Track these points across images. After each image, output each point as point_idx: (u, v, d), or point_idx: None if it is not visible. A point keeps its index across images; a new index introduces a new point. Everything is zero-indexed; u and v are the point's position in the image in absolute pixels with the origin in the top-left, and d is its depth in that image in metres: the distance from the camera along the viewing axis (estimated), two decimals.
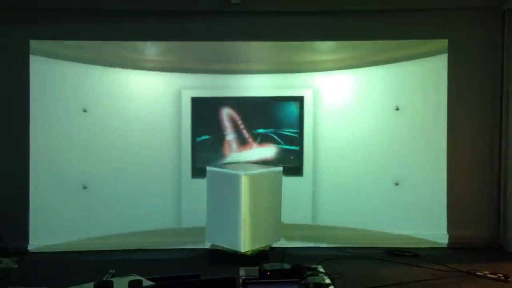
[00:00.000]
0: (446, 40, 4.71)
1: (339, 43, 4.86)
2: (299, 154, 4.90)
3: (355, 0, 4.67)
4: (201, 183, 4.53)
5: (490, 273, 3.83)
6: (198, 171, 4.78)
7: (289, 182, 4.66)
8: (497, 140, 4.72)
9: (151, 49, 4.82)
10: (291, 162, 4.90)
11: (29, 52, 4.60)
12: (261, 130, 4.93)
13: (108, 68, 4.74)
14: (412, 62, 4.78)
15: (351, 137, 4.85)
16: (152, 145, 4.82)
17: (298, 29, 4.74)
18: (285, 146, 4.93)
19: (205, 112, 4.89)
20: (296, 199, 4.79)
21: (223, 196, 4.32)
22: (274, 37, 4.78)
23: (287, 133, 4.93)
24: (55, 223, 4.66)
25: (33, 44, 4.63)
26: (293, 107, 4.94)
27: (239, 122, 4.92)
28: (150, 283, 2.91)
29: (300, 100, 4.91)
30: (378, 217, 4.79)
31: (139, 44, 4.78)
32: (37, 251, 4.55)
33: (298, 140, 4.90)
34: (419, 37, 4.77)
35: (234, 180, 4.23)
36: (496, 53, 4.70)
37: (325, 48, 4.91)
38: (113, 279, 3.01)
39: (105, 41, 4.74)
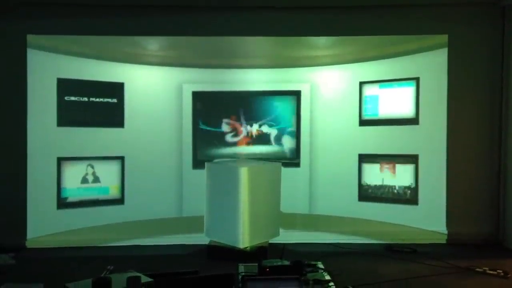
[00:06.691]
0: (446, 36, 4.69)
1: (337, 38, 4.89)
2: (296, 146, 5.03)
3: None
4: (202, 173, 4.53)
5: (489, 269, 3.82)
6: (199, 162, 4.92)
7: (287, 173, 4.70)
8: (497, 136, 4.71)
9: (153, 44, 4.90)
10: (288, 155, 5.02)
11: (26, 46, 4.56)
12: (259, 123, 5.02)
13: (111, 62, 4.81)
14: (410, 57, 4.78)
15: (346, 129, 4.97)
16: (155, 137, 4.93)
17: (298, 24, 4.73)
18: (282, 138, 5.06)
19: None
20: (294, 190, 4.91)
21: (222, 190, 4.29)
22: (272, 32, 4.78)
23: (284, 126, 5.05)
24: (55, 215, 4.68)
25: (34, 38, 4.58)
26: (291, 101, 5.02)
27: (238, 115, 5.00)
28: (148, 279, 2.90)
29: (297, 94, 5.00)
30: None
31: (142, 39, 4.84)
32: (35, 247, 4.53)
33: (295, 132, 5.03)
34: (419, 32, 4.75)
35: (233, 173, 4.20)
36: (496, 48, 4.68)
37: (322, 43, 4.94)
38: (111, 275, 2.99)
39: (105, 36, 4.75)
